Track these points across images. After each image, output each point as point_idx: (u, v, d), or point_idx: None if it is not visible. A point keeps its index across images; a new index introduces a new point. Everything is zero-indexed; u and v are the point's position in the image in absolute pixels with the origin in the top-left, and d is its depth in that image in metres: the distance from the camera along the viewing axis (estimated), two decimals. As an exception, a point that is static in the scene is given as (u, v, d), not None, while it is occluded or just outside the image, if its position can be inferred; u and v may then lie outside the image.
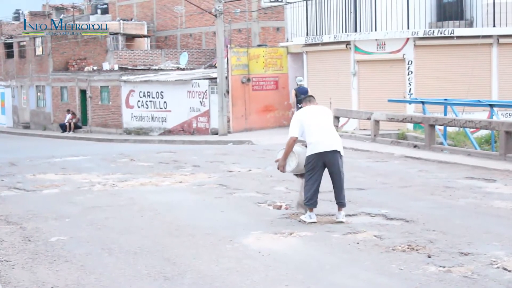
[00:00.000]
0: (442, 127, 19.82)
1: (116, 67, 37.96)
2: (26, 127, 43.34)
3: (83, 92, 38.13)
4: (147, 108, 32.77)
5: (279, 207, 10.47)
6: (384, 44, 25.15)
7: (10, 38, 46.58)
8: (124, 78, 34.29)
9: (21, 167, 17.49)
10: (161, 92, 31.94)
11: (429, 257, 7.38)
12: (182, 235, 8.78)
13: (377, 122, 20.96)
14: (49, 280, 6.97)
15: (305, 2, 28.61)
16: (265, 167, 15.31)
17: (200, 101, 30.17)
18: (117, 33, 43.13)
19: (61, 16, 48.41)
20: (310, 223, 9.18)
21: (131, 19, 47.65)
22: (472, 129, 20.13)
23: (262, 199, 11.32)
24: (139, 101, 33.23)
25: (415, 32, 24.59)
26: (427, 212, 9.85)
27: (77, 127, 37.80)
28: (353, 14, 26.45)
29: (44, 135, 38.04)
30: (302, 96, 18.31)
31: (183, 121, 31.03)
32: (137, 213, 10.45)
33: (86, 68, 38.68)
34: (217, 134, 28.47)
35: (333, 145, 9.20)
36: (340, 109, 23.56)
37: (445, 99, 21.00)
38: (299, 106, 21.41)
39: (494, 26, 24.37)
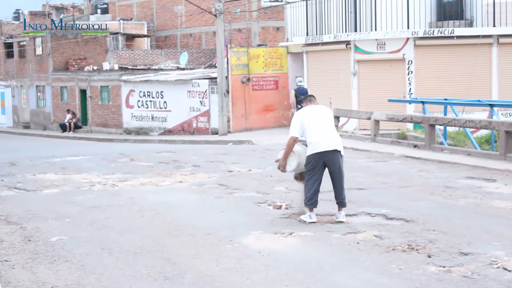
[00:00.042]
0: (442, 127, 19.82)
1: (116, 67, 37.96)
2: (26, 127, 43.35)
3: (83, 92, 38.14)
4: (147, 108, 32.77)
5: (279, 207, 10.47)
6: (384, 44, 25.15)
7: (10, 38, 46.58)
8: (124, 78, 34.29)
9: (21, 167, 17.48)
10: (161, 92, 31.95)
11: (429, 257, 7.38)
12: (182, 235, 8.78)
13: (377, 122, 20.96)
14: (49, 280, 6.97)
15: (305, 2, 28.60)
16: (265, 167, 15.31)
17: (200, 101, 30.18)
18: (117, 33, 43.14)
19: (61, 16, 48.43)
20: (310, 223, 9.18)
21: (131, 19, 47.65)
22: (472, 129, 20.13)
23: (262, 199, 11.32)
24: (139, 101, 33.23)
25: (415, 32, 24.60)
26: (427, 212, 9.85)
27: (77, 127, 37.80)
28: (353, 14, 26.45)
29: (44, 135, 38.04)
30: (302, 96, 18.31)
31: (183, 121, 31.03)
32: (137, 213, 10.45)
33: (86, 68, 38.68)
34: (217, 134, 28.47)
35: (333, 144, 9.20)
36: (340, 109, 23.56)
37: (445, 99, 21.00)
38: (299, 106, 21.48)
39: (494, 26, 24.37)
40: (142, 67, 38.82)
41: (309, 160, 9.23)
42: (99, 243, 8.47)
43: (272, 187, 12.51)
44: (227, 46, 29.28)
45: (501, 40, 24.18)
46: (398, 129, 23.38)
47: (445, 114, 20.68)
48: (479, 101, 20.77)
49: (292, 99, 24.90)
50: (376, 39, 25.25)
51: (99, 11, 48.42)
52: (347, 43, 25.98)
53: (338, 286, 6.58)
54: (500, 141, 16.04)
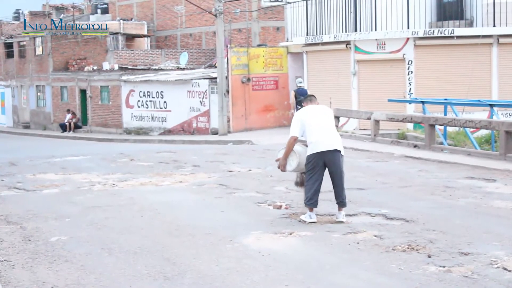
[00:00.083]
0: (442, 127, 19.82)
1: (116, 67, 37.97)
2: (26, 127, 43.35)
3: (83, 92, 38.14)
4: (147, 108, 32.77)
5: (279, 207, 10.47)
6: (384, 44, 25.16)
7: (10, 38, 46.59)
8: (124, 78, 34.30)
9: (21, 167, 17.48)
10: (161, 92, 31.95)
11: (429, 257, 7.38)
12: (182, 235, 8.78)
13: (377, 122, 20.96)
14: (49, 280, 6.97)
15: (305, 2, 28.60)
16: (265, 167, 15.32)
17: (200, 101, 30.18)
18: (117, 33, 43.14)
19: (61, 16, 48.44)
20: (310, 223, 9.18)
21: (131, 19, 47.65)
22: (472, 129, 20.13)
23: (262, 199, 11.32)
24: (139, 101, 33.23)
25: (415, 32, 24.60)
26: (427, 212, 9.85)
27: (77, 127, 37.81)
28: (353, 14, 26.45)
29: (44, 135, 38.04)
30: (302, 97, 18.30)
31: (183, 121, 31.03)
32: (137, 213, 10.45)
33: (86, 68, 38.69)
34: (217, 134, 28.47)
35: (333, 144, 9.20)
36: (340, 109, 23.56)
37: (445, 99, 21.00)
38: (298, 107, 21.49)
39: (494, 26, 24.37)
40: (142, 67, 38.83)
41: (309, 160, 9.23)
42: (99, 243, 8.47)
43: (272, 187, 12.51)
44: (227, 46, 29.28)
45: (501, 40, 24.18)
46: (398, 129, 23.39)
47: (445, 114, 20.68)
48: (479, 101, 20.77)
49: (292, 100, 24.90)
50: (376, 39, 25.26)
51: (99, 11, 48.44)
52: (347, 43, 25.98)
53: (338, 286, 6.58)
54: (500, 141, 16.04)
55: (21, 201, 12.13)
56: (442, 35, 24.29)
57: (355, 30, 26.25)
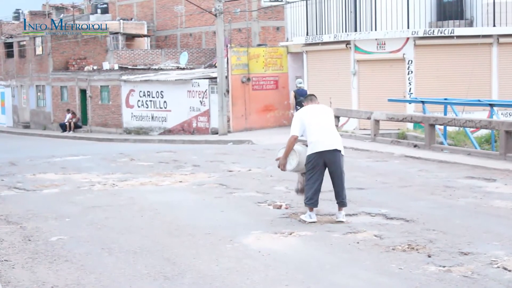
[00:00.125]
0: (442, 127, 19.82)
1: (116, 66, 37.97)
2: (26, 126, 43.35)
3: (83, 92, 38.14)
4: (147, 107, 32.77)
5: (279, 207, 10.47)
6: (384, 44, 25.16)
7: (10, 37, 46.58)
8: (124, 77, 34.30)
9: (21, 166, 17.48)
10: (161, 91, 31.95)
11: (429, 256, 7.38)
12: (182, 235, 8.78)
13: (377, 121, 20.95)
14: (49, 280, 6.97)
15: (305, 1, 28.60)
16: (265, 167, 15.31)
17: (200, 101, 30.18)
18: (117, 33, 43.15)
19: (61, 16, 48.46)
20: (310, 222, 9.17)
21: (131, 19, 47.66)
22: (472, 129, 20.13)
23: (262, 198, 11.32)
24: (139, 100, 33.24)
25: (415, 32, 24.60)
26: (427, 211, 9.85)
27: (77, 126, 37.81)
28: (353, 14, 26.45)
29: (44, 135, 38.05)
30: (301, 98, 18.28)
31: (183, 120, 31.03)
32: (137, 213, 10.44)
33: (86, 68, 38.69)
34: (217, 133, 28.47)
35: (333, 144, 9.20)
36: (340, 108, 23.55)
37: (445, 99, 20.99)
38: (298, 108, 21.49)
39: (494, 25, 24.37)
40: (142, 67, 38.83)
41: (309, 160, 9.23)
42: (99, 243, 8.47)
43: (272, 186, 12.51)
44: (227, 46, 29.29)
45: (501, 40, 24.18)
46: (398, 129, 23.38)
47: (445, 114, 20.68)
48: (479, 101, 20.76)
49: (292, 100, 24.89)
50: (376, 39, 25.26)
51: (99, 11, 48.45)
52: (347, 43, 25.98)
53: (338, 286, 6.58)
54: (500, 141, 16.04)
55: (21, 201, 12.13)
56: (442, 35, 24.29)
57: (355, 30, 26.25)
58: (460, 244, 7.88)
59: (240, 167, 15.65)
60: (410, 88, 24.63)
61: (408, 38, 24.61)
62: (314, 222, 9.20)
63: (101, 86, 36.45)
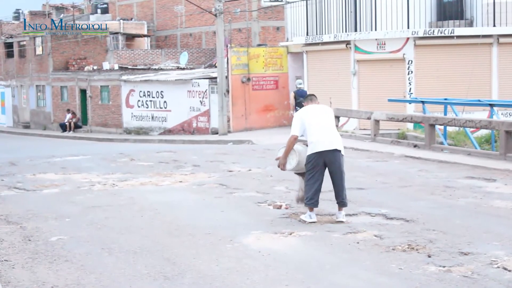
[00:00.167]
0: (442, 127, 19.82)
1: (116, 66, 37.97)
2: (26, 126, 43.35)
3: (83, 92, 38.15)
4: (147, 107, 32.77)
5: (279, 207, 10.47)
6: (384, 44, 25.16)
7: (10, 37, 46.59)
8: (124, 77, 34.30)
9: (21, 166, 17.48)
10: (161, 91, 31.95)
11: (429, 256, 7.38)
12: (182, 235, 8.78)
13: (377, 121, 20.95)
14: (49, 280, 6.97)
15: (305, 1, 28.60)
16: (265, 167, 15.31)
17: (200, 101, 30.18)
18: (117, 33, 43.15)
19: (61, 16, 48.46)
20: (310, 222, 9.17)
21: (131, 19, 47.66)
22: (472, 129, 20.13)
23: (262, 198, 11.32)
24: (139, 100, 33.24)
25: (415, 32, 24.60)
26: (427, 211, 9.85)
27: (77, 126, 37.81)
28: (353, 14, 26.45)
29: (44, 135, 38.04)
30: (301, 98, 18.26)
31: (183, 120, 31.03)
32: (137, 213, 10.45)
33: (86, 68, 38.69)
34: (217, 133, 28.47)
35: (333, 144, 9.20)
36: (340, 108, 23.55)
37: (445, 99, 20.99)
38: (297, 108, 21.47)
39: (494, 25, 24.37)
40: (142, 67, 38.83)
41: (310, 160, 9.23)
42: (99, 243, 8.47)
43: (272, 187, 12.51)
44: (227, 46, 29.29)
45: (501, 40, 24.18)
46: (398, 129, 23.38)
47: (445, 114, 20.68)
48: (479, 101, 20.76)
49: (292, 101, 24.89)
50: (376, 39, 25.26)
51: (99, 11, 48.45)
52: (347, 43, 25.98)
53: (338, 286, 6.58)
54: (500, 141, 16.04)
55: (21, 201, 12.13)
56: (442, 35, 24.29)
57: (355, 30, 26.25)
58: (460, 244, 7.87)
59: (240, 167, 15.65)
60: (410, 88, 24.63)
61: (408, 38, 24.62)
62: (314, 222, 9.20)
63: (101, 86, 36.45)
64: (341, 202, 9.32)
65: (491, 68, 24.37)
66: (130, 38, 44.59)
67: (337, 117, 22.94)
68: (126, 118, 34.11)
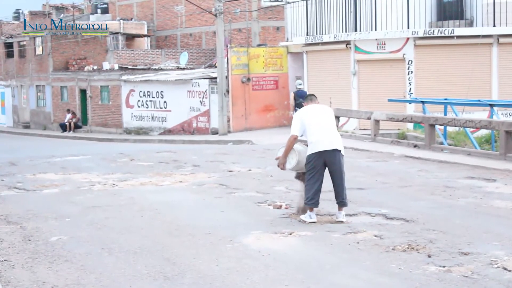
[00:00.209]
0: (442, 127, 19.82)
1: (116, 66, 37.97)
2: (26, 126, 43.35)
3: (83, 92, 38.15)
4: (147, 107, 32.78)
5: (279, 207, 10.47)
6: (384, 44, 25.16)
7: (10, 37, 46.59)
8: (124, 77, 34.30)
9: (21, 166, 17.48)
10: (161, 91, 31.95)
11: (429, 256, 7.38)
12: (182, 235, 8.78)
13: (377, 121, 20.95)
14: (49, 280, 6.97)
15: (305, 1, 28.60)
16: (265, 167, 15.31)
17: (200, 101, 30.18)
18: (117, 33, 43.15)
19: (61, 16, 48.45)
20: (310, 222, 9.17)
21: (131, 19, 47.66)
22: (472, 129, 20.13)
23: (262, 198, 11.32)
24: (139, 100, 33.24)
25: (415, 32, 24.60)
26: (427, 212, 9.85)
27: (77, 126, 37.81)
28: (353, 14, 26.45)
29: (44, 135, 38.05)
30: (301, 99, 18.24)
31: (183, 120, 31.04)
32: (137, 213, 10.44)
33: (86, 68, 38.69)
34: (217, 133, 28.47)
35: (333, 144, 9.20)
36: (340, 108, 23.55)
37: (445, 99, 21.00)
38: (297, 109, 21.46)
39: (494, 25, 24.38)
40: (142, 67, 38.83)
41: (310, 160, 9.23)
42: (99, 243, 8.47)
43: (272, 187, 12.51)
44: (227, 46, 29.29)
45: (501, 40, 24.18)
46: (398, 129, 23.39)
47: (445, 114, 20.68)
48: (479, 101, 20.77)
49: (292, 101, 24.88)
50: (376, 39, 25.26)
51: (99, 11, 48.45)
52: (347, 43, 25.98)
53: (338, 286, 6.58)
54: (500, 141, 16.04)
55: (21, 201, 12.13)
56: (442, 35, 24.29)
57: (355, 30, 26.25)
58: (460, 244, 7.88)
59: (240, 167, 15.65)
60: (410, 88, 24.63)
61: (408, 38, 24.62)
62: (314, 222, 9.20)
63: (101, 86, 36.45)
64: (341, 202, 9.32)
65: (491, 68, 24.37)
66: (130, 38, 44.59)
67: (337, 117, 22.93)
68: (126, 118, 34.11)
